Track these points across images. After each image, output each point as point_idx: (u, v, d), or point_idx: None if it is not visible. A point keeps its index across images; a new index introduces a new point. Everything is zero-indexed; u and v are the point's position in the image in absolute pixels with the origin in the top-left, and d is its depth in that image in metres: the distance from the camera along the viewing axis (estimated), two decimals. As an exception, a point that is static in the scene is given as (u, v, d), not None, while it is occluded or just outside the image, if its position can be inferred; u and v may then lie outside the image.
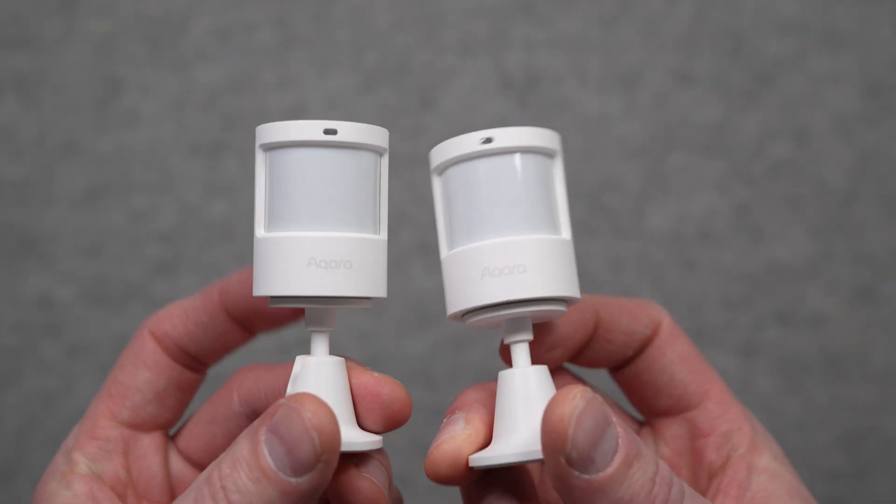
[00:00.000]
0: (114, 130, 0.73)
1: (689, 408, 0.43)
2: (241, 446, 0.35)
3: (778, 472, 0.41)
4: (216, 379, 0.47)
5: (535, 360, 0.41)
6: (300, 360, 0.39)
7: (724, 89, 0.73)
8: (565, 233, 0.39)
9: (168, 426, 0.44)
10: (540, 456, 0.36)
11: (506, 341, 0.40)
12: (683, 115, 0.73)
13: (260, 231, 0.39)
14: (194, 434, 0.44)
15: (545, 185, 0.39)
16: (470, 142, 0.39)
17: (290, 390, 0.39)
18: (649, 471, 0.35)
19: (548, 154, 0.39)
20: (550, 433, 0.34)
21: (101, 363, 0.73)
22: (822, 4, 0.73)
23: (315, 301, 0.38)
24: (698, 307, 0.73)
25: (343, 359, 0.40)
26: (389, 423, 0.40)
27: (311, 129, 0.38)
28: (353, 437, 0.38)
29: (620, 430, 0.35)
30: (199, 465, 0.44)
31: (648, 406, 0.44)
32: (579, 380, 0.44)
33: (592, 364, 0.43)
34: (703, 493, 0.42)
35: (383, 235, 0.40)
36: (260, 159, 0.39)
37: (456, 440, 0.39)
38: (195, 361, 0.43)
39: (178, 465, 0.44)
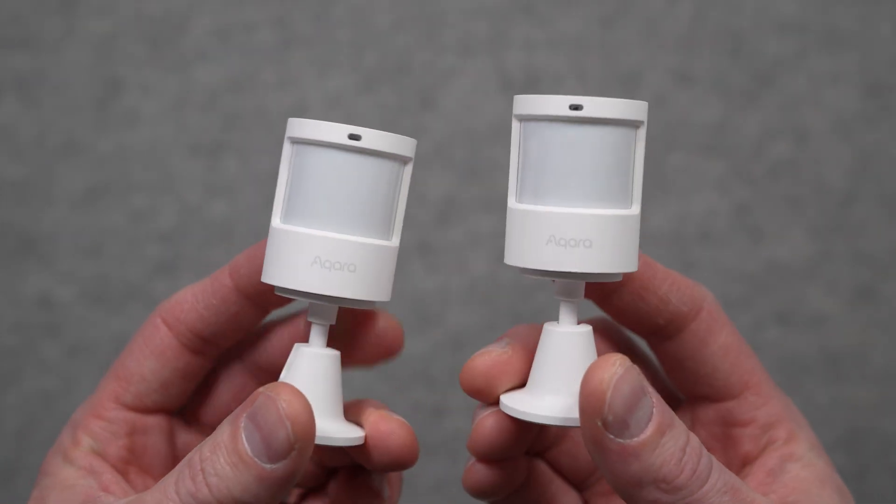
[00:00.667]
0: (114, 130, 0.73)
1: (728, 397, 0.43)
2: (223, 431, 0.37)
3: (811, 460, 0.42)
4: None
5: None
6: (296, 349, 0.40)
7: (724, 89, 0.73)
8: (635, 206, 0.40)
9: (172, 410, 0.44)
10: (577, 423, 0.37)
11: (556, 296, 0.40)
12: (683, 115, 0.73)
13: (276, 221, 0.40)
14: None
15: (625, 157, 0.39)
16: (558, 104, 0.38)
17: (282, 377, 0.40)
18: (680, 441, 0.36)
19: (633, 126, 0.39)
20: (589, 396, 0.35)
21: (101, 363, 0.73)
22: (822, 4, 0.73)
23: (316, 298, 0.39)
24: (698, 307, 0.73)
25: (338, 352, 0.40)
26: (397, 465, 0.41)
27: (336, 131, 0.39)
28: (332, 431, 0.39)
29: (655, 400, 0.36)
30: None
31: (688, 390, 0.44)
32: (625, 348, 0.45)
33: (622, 318, 0.43)
34: None
35: (395, 242, 0.41)
36: (286, 151, 0.40)
37: (491, 354, 0.40)
38: (208, 345, 0.44)
39: (184, 441, 0.45)
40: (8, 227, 0.73)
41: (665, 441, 0.36)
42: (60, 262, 0.73)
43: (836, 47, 0.73)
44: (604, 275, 0.39)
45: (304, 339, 0.42)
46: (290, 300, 0.43)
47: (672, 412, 0.36)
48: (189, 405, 0.45)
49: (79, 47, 0.73)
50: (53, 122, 0.73)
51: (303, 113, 0.73)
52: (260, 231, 0.45)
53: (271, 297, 0.43)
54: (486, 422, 0.41)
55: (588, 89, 0.73)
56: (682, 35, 0.73)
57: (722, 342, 0.43)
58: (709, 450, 0.42)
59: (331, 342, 0.41)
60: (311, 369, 0.40)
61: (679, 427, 0.36)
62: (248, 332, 0.44)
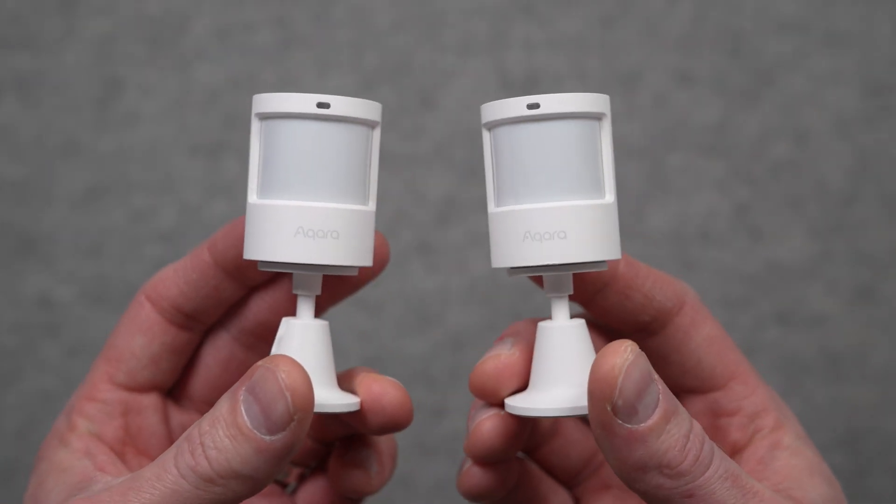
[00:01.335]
0: (114, 130, 0.73)
1: (714, 388, 0.44)
2: (222, 405, 0.37)
3: (799, 449, 0.42)
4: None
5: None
6: (285, 322, 0.41)
7: (724, 89, 0.73)
8: (609, 195, 0.40)
9: (165, 387, 0.45)
10: (584, 412, 0.38)
11: (546, 295, 0.41)
12: (683, 115, 0.73)
13: (252, 197, 0.41)
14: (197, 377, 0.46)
15: (591, 149, 0.40)
16: (516, 106, 0.39)
17: (273, 351, 0.40)
18: (684, 427, 0.36)
19: (595, 117, 0.40)
20: (600, 381, 0.36)
21: (101, 363, 0.73)
22: (822, 4, 0.73)
23: (301, 268, 0.40)
24: (698, 307, 0.73)
25: (327, 322, 0.41)
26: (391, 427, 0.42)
27: (304, 101, 0.39)
28: (329, 399, 0.40)
29: (661, 387, 0.36)
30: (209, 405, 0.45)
31: (675, 383, 0.44)
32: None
33: (608, 318, 0.44)
34: None
35: (372, 206, 0.41)
36: (255, 128, 0.41)
37: (501, 358, 0.41)
38: (192, 321, 0.44)
39: (178, 421, 0.45)
40: (8, 227, 0.73)
41: (670, 427, 0.36)
42: (60, 262, 0.73)
43: (836, 47, 0.73)
44: (586, 264, 0.39)
45: (287, 303, 0.43)
46: (270, 274, 0.44)
47: (676, 399, 0.37)
48: (180, 385, 0.45)
49: (79, 47, 0.73)
50: (53, 122, 0.73)
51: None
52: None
53: (250, 272, 0.43)
54: (485, 425, 0.41)
55: (588, 89, 0.73)
56: (682, 35, 0.73)
57: (705, 334, 0.44)
58: None
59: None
60: (302, 340, 0.40)
61: (683, 414, 0.37)
62: (229, 307, 0.45)
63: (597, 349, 0.38)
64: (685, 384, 0.44)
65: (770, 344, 0.73)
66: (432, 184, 0.73)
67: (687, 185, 0.73)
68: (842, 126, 0.73)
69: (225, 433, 0.36)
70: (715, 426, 0.44)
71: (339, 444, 0.45)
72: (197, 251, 0.44)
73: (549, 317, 0.41)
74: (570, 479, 0.46)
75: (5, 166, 0.73)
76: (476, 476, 0.43)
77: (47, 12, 0.73)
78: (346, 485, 0.44)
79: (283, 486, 0.47)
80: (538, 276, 0.41)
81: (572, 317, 0.41)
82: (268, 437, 0.36)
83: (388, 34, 0.73)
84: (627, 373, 0.36)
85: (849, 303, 0.73)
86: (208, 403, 0.45)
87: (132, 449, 0.43)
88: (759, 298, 0.73)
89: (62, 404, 0.77)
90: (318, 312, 0.42)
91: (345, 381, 0.42)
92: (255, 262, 0.41)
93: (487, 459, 0.42)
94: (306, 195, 0.40)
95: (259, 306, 0.44)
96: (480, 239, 0.73)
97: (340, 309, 0.47)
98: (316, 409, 0.38)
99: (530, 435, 0.44)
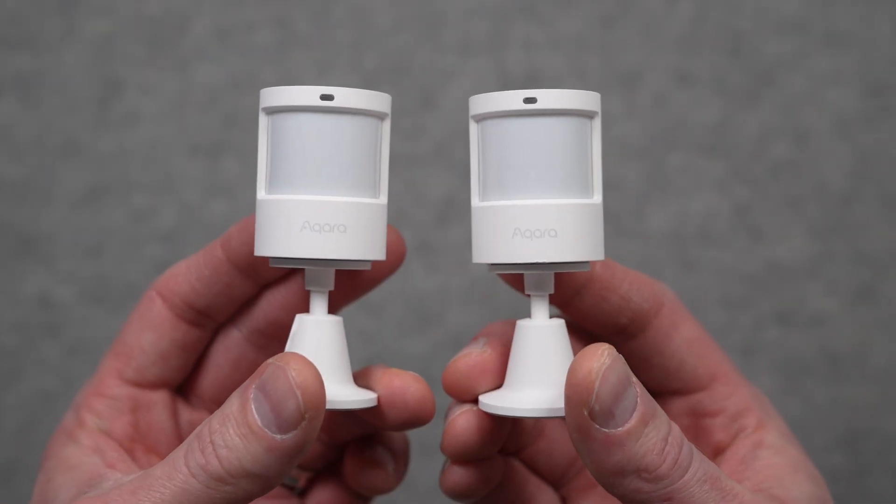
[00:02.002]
0: (114, 130, 0.73)
1: (697, 389, 0.44)
2: (232, 403, 0.36)
3: (782, 447, 0.42)
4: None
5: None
6: (299, 319, 0.40)
7: (724, 89, 0.73)
8: (597, 195, 0.40)
9: (174, 384, 0.44)
10: (560, 414, 0.38)
11: (527, 292, 0.40)
12: (683, 115, 0.73)
13: (261, 193, 0.40)
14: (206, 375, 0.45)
15: (582, 147, 0.40)
16: (512, 99, 0.39)
17: (287, 348, 0.40)
18: (663, 430, 0.36)
19: (588, 116, 0.39)
20: (577, 386, 0.35)
21: (101, 363, 0.73)
22: (822, 4, 0.73)
23: (312, 263, 0.39)
24: (698, 307, 0.73)
25: (341, 318, 0.41)
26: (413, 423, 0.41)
27: (308, 94, 0.39)
28: (344, 395, 0.39)
29: (639, 390, 0.36)
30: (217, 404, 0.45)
31: (657, 385, 0.44)
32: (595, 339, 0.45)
33: (586, 321, 0.43)
34: None
35: (383, 200, 0.41)
36: (262, 122, 0.40)
37: (472, 356, 0.41)
38: (203, 317, 0.44)
39: (187, 418, 0.45)
40: (8, 227, 0.73)
41: (648, 431, 0.36)
42: (60, 262, 0.73)
43: (836, 47, 0.73)
44: (572, 264, 0.39)
45: (299, 301, 0.43)
46: (283, 271, 0.43)
47: (655, 402, 0.37)
48: (190, 383, 0.45)
49: (79, 47, 0.73)
50: (53, 122, 0.73)
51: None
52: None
53: (263, 269, 0.43)
54: (458, 422, 0.41)
55: (588, 89, 0.73)
56: (682, 35, 0.73)
57: (686, 335, 0.43)
58: None
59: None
60: (316, 337, 0.40)
61: (661, 417, 0.37)
62: (241, 304, 0.44)
63: (575, 353, 0.38)
64: (667, 386, 0.44)
65: (770, 344, 0.73)
66: (432, 184, 0.73)
67: (687, 185, 0.73)
68: (842, 126, 0.73)
69: (235, 432, 0.36)
70: (698, 427, 0.44)
71: (352, 444, 0.45)
72: (210, 247, 0.43)
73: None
74: (557, 479, 0.46)
75: (5, 166, 0.73)
76: (457, 474, 0.42)
77: (47, 12, 0.73)
78: (365, 483, 0.44)
79: (291, 489, 0.47)
80: (518, 273, 0.40)
81: (551, 318, 0.40)
82: (279, 436, 0.36)
83: (388, 34, 0.73)
84: (604, 377, 0.35)
85: (849, 303, 0.73)
86: (218, 402, 0.45)
87: (141, 446, 0.43)
88: (759, 298, 0.73)
89: (62, 404, 0.77)
90: (334, 310, 0.42)
91: (362, 379, 0.42)
92: (267, 260, 0.41)
93: (463, 457, 0.42)
94: (313, 189, 0.39)
95: (271, 304, 0.44)
96: (480, 239, 0.73)
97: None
98: (330, 406, 0.38)
99: (515, 435, 0.44)
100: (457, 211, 0.73)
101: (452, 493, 0.43)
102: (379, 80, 0.73)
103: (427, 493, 0.72)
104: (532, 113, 0.39)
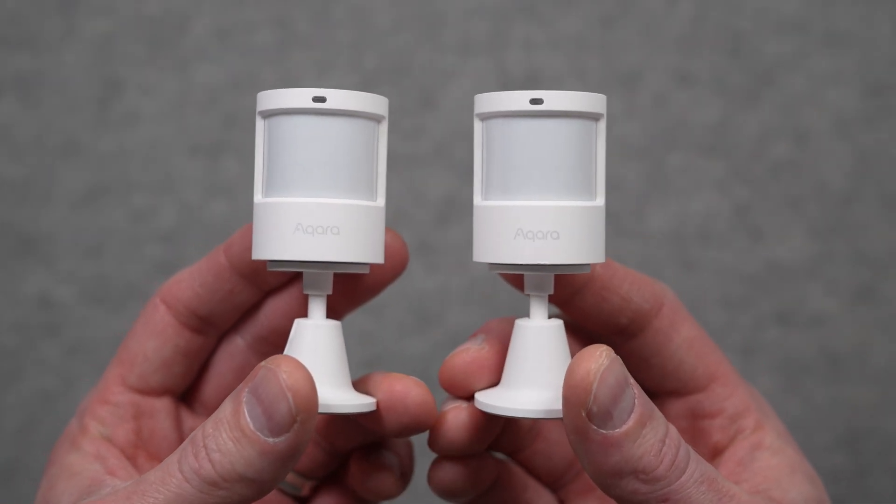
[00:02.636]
0: (114, 130, 0.73)
1: (695, 390, 0.44)
2: (225, 407, 0.36)
3: (780, 448, 0.42)
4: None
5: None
6: (297, 323, 0.40)
7: (724, 89, 0.73)
8: (600, 198, 0.40)
9: (177, 391, 0.44)
10: (558, 416, 0.37)
11: (526, 292, 0.40)
12: (683, 115, 0.73)
13: (258, 196, 0.40)
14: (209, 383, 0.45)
15: (587, 149, 0.39)
16: (519, 99, 0.39)
17: (285, 352, 0.40)
18: (660, 432, 0.36)
19: (593, 118, 0.39)
20: (575, 387, 0.35)
21: (101, 363, 0.73)
22: (822, 4, 0.73)
23: (307, 266, 0.39)
24: (698, 307, 0.73)
25: (339, 322, 0.40)
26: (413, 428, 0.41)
27: (300, 96, 0.39)
28: (341, 400, 0.39)
29: (637, 392, 0.36)
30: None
31: (656, 386, 0.44)
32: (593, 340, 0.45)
33: (585, 321, 0.43)
34: None
35: (380, 202, 0.40)
36: (259, 126, 0.40)
37: (469, 352, 0.41)
38: (206, 324, 0.44)
39: (190, 426, 0.45)
40: (8, 227, 0.73)
41: (646, 432, 0.36)
42: (60, 262, 0.73)
43: (836, 47, 0.73)
44: (574, 266, 0.39)
45: (302, 307, 0.42)
46: (285, 277, 0.43)
47: (652, 404, 0.37)
48: (194, 391, 0.45)
49: (79, 47, 0.73)
50: (53, 122, 0.73)
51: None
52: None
53: (265, 275, 0.43)
54: (447, 417, 0.41)
55: (588, 89, 0.73)
56: (682, 35, 0.73)
57: (685, 336, 0.43)
58: None
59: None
60: (314, 341, 0.40)
61: (659, 418, 0.37)
62: (244, 311, 0.44)
63: (573, 354, 0.38)
64: (666, 387, 0.44)
65: (770, 344, 0.73)
66: (432, 184, 0.73)
67: (687, 185, 0.73)
68: (842, 126, 0.73)
69: (228, 436, 0.36)
70: (696, 428, 0.44)
71: (357, 451, 0.44)
72: (213, 254, 0.43)
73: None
74: (555, 482, 0.46)
75: (5, 166, 0.73)
76: (443, 470, 0.42)
77: (47, 12, 0.73)
78: (373, 488, 0.44)
79: (294, 497, 0.46)
80: (518, 274, 0.40)
81: (550, 318, 0.40)
82: (271, 440, 0.35)
83: (388, 34, 0.73)
84: (602, 378, 0.35)
85: (849, 303, 0.73)
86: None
87: (144, 453, 0.43)
88: (759, 298, 0.73)
89: (62, 404, 0.77)
90: (338, 316, 0.42)
91: (362, 385, 0.42)
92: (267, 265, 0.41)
93: (451, 452, 0.41)
94: (307, 192, 0.39)
95: (274, 311, 0.44)
96: (480, 239, 0.73)
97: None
98: (327, 411, 0.38)
99: (512, 436, 0.44)
100: (457, 211, 0.73)
101: (440, 490, 0.43)
102: (379, 80, 0.73)
103: (427, 492, 0.72)
104: (538, 114, 0.39)
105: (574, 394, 0.35)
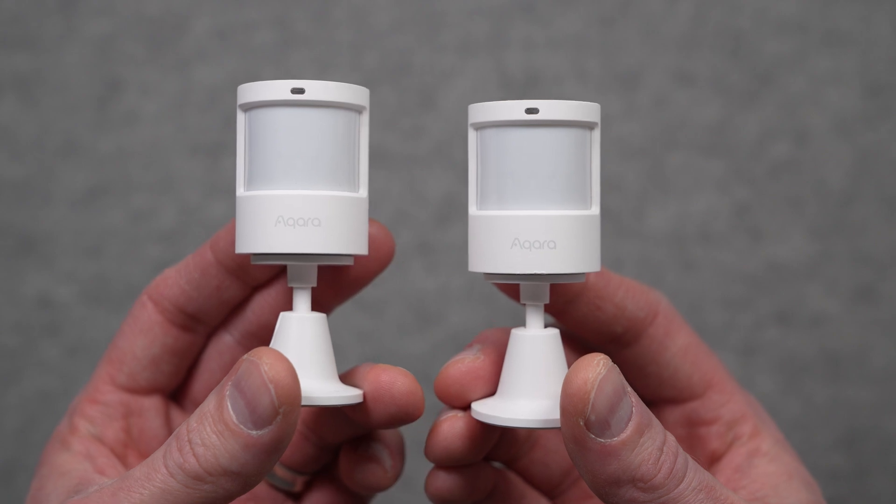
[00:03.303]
0: (114, 130, 0.73)
1: (692, 398, 0.44)
2: (209, 401, 0.36)
3: (777, 455, 0.42)
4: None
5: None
6: (282, 317, 0.40)
7: (724, 89, 0.73)
8: (595, 207, 0.40)
9: (167, 390, 0.44)
10: (555, 425, 0.37)
11: (522, 301, 0.40)
12: (683, 115, 0.73)
13: (240, 190, 0.40)
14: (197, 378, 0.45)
15: (582, 158, 0.39)
16: (513, 109, 0.39)
17: (271, 345, 0.40)
18: (658, 440, 0.36)
19: (588, 127, 0.39)
20: (573, 396, 0.35)
21: (101, 363, 0.73)
22: (822, 4, 0.73)
23: (290, 258, 0.39)
24: (698, 307, 0.73)
25: (324, 315, 0.40)
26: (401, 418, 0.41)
27: (279, 88, 0.39)
28: (325, 391, 0.39)
29: (634, 400, 0.36)
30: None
31: (652, 394, 0.44)
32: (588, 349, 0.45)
33: (580, 330, 0.43)
34: None
35: (362, 193, 0.40)
36: (240, 119, 0.41)
37: (465, 362, 0.41)
38: (194, 322, 0.43)
39: (180, 423, 0.44)
40: (8, 227, 0.73)
41: (644, 440, 0.36)
42: (60, 262, 0.73)
43: (836, 47, 0.73)
44: (569, 275, 0.39)
45: (289, 302, 0.42)
46: (272, 272, 0.43)
47: (650, 412, 0.37)
48: (184, 388, 0.45)
49: (79, 47, 0.73)
50: (53, 122, 0.73)
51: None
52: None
53: (252, 270, 0.43)
54: (442, 426, 0.41)
55: (588, 89, 0.73)
56: (682, 35, 0.73)
57: (681, 344, 0.43)
58: None
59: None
60: (298, 334, 0.39)
61: (657, 427, 0.37)
62: (232, 308, 0.44)
63: (570, 363, 0.38)
64: (662, 395, 0.44)
65: (770, 344, 0.73)
66: (432, 184, 0.73)
67: (687, 185, 0.73)
68: (842, 126, 0.73)
69: (212, 429, 0.36)
70: (693, 436, 0.44)
71: (346, 444, 0.45)
72: (199, 251, 0.43)
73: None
74: (552, 490, 0.46)
75: (5, 166, 0.73)
76: (440, 479, 0.42)
77: (47, 12, 0.73)
78: (362, 480, 0.44)
79: (287, 493, 0.46)
80: (514, 283, 0.40)
81: (545, 327, 0.40)
82: (255, 432, 0.35)
83: (388, 34, 0.73)
84: (600, 387, 0.35)
85: (849, 303, 0.73)
86: None
87: (134, 451, 0.43)
88: (759, 298, 0.73)
89: (62, 404, 0.77)
90: (327, 310, 0.42)
91: (350, 378, 0.42)
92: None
93: (447, 462, 0.41)
94: (287, 184, 0.39)
95: (262, 307, 0.44)
96: (480, 239, 0.73)
97: (340, 309, 0.47)
98: (312, 403, 0.38)
99: (509, 445, 0.44)
100: (457, 211, 0.73)
101: (437, 499, 0.43)
102: (379, 80, 0.73)
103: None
104: (533, 123, 0.39)
105: (571, 403, 0.36)
